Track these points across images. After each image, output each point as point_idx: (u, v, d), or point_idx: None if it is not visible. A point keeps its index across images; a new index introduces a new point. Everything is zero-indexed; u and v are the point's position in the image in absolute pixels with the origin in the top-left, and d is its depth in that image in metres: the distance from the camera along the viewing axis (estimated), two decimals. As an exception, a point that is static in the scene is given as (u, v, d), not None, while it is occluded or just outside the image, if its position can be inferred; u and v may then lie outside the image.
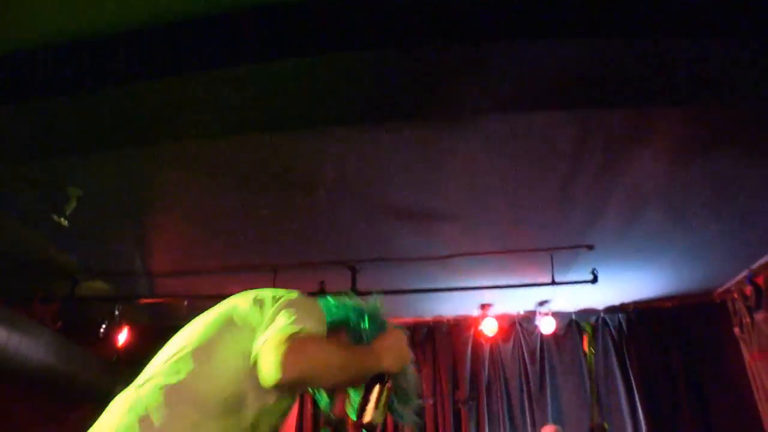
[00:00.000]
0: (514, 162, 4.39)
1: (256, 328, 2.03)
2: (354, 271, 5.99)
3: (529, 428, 7.30)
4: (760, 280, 6.75)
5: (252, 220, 5.23)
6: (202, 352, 2.02)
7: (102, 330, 6.81)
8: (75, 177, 4.51)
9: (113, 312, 6.81)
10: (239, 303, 2.18)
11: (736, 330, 7.26)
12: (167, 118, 3.64)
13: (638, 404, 7.35)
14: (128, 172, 4.53)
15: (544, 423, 7.04)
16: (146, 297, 6.78)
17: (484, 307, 7.03)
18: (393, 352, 2.17)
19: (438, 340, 7.73)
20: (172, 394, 1.91)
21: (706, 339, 7.57)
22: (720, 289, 7.44)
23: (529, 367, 7.63)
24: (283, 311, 2.03)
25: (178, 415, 1.89)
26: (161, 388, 1.92)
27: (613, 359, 7.60)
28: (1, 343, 5.33)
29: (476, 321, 7.30)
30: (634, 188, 4.83)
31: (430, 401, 7.38)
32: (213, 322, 2.15)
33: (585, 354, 6.45)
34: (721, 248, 6.17)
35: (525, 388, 7.56)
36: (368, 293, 5.53)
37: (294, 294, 2.19)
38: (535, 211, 5.13)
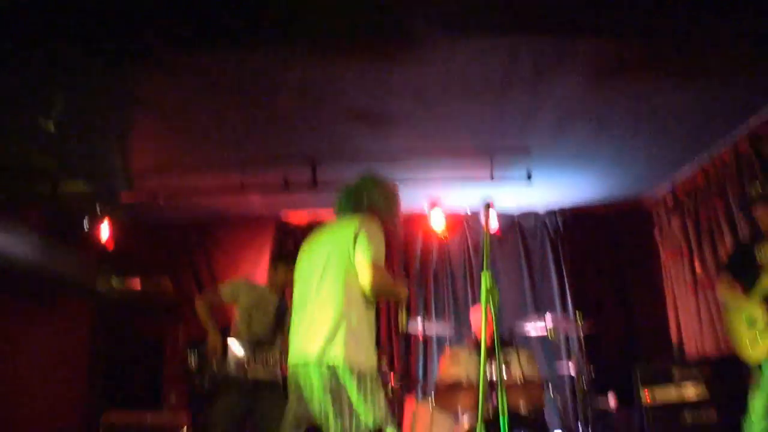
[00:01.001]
0: (455, 74, 4.93)
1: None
2: (314, 167, 6.49)
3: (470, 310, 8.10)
4: (678, 190, 7.55)
5: (222, 121, 5.63)
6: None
7: (84, 229, 6.97)
8: (57, 81, 4.71)
9: (95, 211, 7.00)
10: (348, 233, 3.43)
11: (656, 233, 8.13)
12: (143, 29, 4.10)
13: (568, 296, 8.25)
14: (109, 78, 4.79)
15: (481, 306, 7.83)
16: (126, 195, 7.08)
17: (433, 204, 7.61)
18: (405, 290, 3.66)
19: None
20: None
21: (631, 241, 8.46)
22: (647, 197, 8.27)
23: (473, 259, 8.46)
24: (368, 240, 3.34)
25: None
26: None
27: (549, 257, 8.46)
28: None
29: (426, 217, 7.76)
30: (563, 101, 5.42)
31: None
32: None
33: (496, 236, 7.27)
34: (644, 160, 6.93)
35: (468, 277, 8.40)
36: (329, 186, 6.22)
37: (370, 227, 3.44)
38: (475, 115, 5.68)
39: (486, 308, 3.01)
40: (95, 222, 7.04)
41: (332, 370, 3.21)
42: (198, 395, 5.24)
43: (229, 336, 5.14)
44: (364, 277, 3.27)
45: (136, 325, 8.12)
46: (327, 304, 3.35)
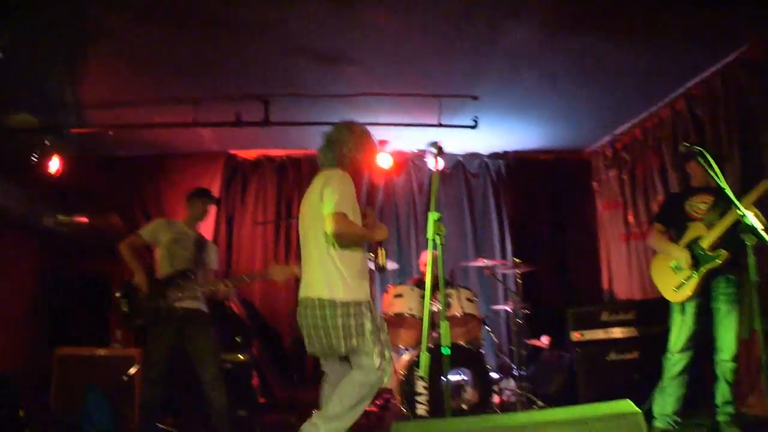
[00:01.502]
0: (410, 19, 5.06)
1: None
2: (267, 104, 6.50)
3: (413, 250, 8.37)
4: (618, 144, 7.87)
5: (175, 55, 5.62)
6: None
7: (32, 162, 6.83)
8: (4, 11, 4.67)
9: (43, 144, 6.86)
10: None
11: (594, 184, 8.51)
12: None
13: (507, 238, 8.56)
14: (60, 11, 4.78)
15: (426, 247, 8.08)
16: (75, 128, 6.92)
17: (381, 143, 7.74)
18: (382, 231, 4.00)
19: (340, 170, 8.50)
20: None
21: (571, 189, 8.80)
22: (588, 149, 8.60)
23: (417, 197, 8.64)
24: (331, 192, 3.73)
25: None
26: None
27: (491, 199, 8.71)
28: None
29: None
30: (512, 50, 5.59)
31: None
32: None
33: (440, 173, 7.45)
34: (588, 112, 7.20)
35: (413, 215, 8.59)
36: (280, 124, 6.26)
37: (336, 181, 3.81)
38: (427, 61, 5.82)
39: (432, 247, 3.28)
40: (43, 155, 6.90)
41: (321, 304, 3.73)
42: (140, 332, 5.40)
43: (155, 274, 5.35)
44: (327, 228, 3.70)
45: (84, 260, 8.11)
46: (311, 249, 3.93)
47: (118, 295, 5.27)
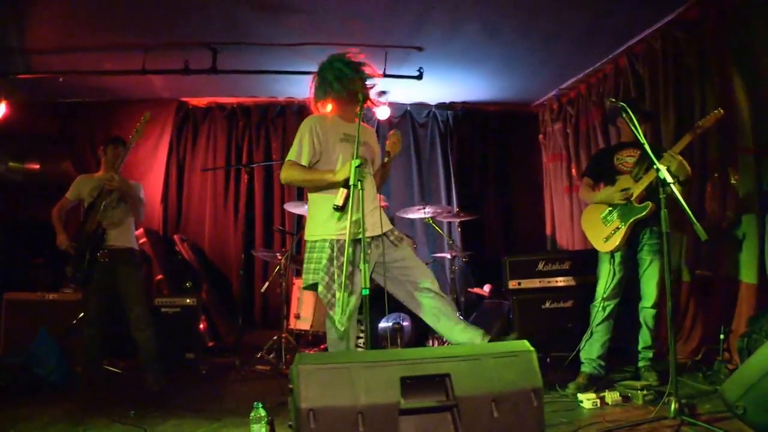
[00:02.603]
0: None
1: None
2: (215, 52, 6.55)
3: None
4: (563, 98, 8.02)
5: (124, 4, 5.61)
6: None
7: None
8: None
9: None
10: None
11: (541, 137, 8.69)
12: None
13: (453, 188, 8.70)
14: None
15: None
16: (24, 73, 6.93)
17: (327, 91, 7.83)
18: (339, 173, 3.72)
19: (288, 117, 8.57)
20: None
21: (517, 141, 8.98)
22: (536, 102, 8.73)
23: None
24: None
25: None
26: None
27: (438, 149, 8.84)
28: None
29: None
30: (456, 4, 5.69)
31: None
32: None
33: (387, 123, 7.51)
34: (532, 66, 7.32)
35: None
36: (228, 72, 6.27)
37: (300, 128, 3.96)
38: (372, 12, 5.88)
39: (354, 193, 3.39)
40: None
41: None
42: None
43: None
44: None
45: (36, 209, 8.08)
46: None
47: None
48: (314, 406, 2.35)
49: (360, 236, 3.57)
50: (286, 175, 3.86)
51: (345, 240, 3.53)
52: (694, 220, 3.38)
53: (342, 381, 2.39)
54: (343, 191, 3.61)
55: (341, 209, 3.62)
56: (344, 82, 3.97)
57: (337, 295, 3.70)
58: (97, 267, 5.29)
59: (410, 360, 2.50)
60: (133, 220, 5.60)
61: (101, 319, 5.34)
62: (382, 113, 7.94)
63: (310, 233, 3.93)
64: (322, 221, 3.87)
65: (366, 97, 3.92)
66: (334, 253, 3.77)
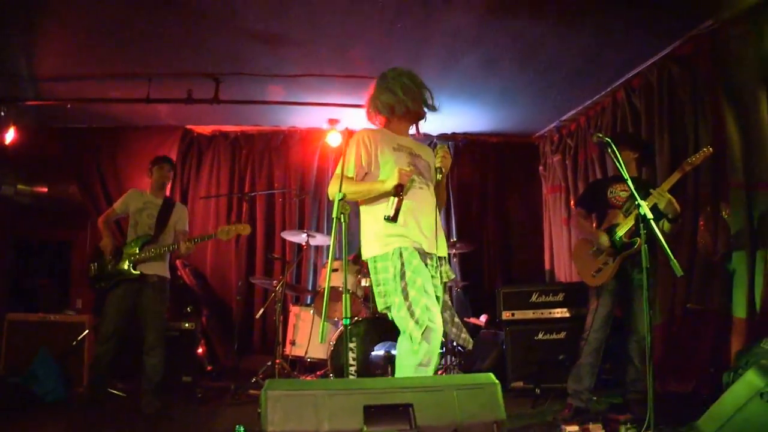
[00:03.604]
0: (348, 3, 5.22)
1: None
2: (217, 82, 6.69)
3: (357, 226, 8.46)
4: (563, 130, 8.09)
5: (131, 32, 5.70)
6: None
7: None
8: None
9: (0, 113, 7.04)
10: None
11: (541, 168, 8.73)
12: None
13: (453, 217, 8.77)
14: None
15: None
16: (33, 99, 7.08)
17: (331, 122, 7.95)
18: (392, 181, 3.54)
19: (291, 146, 8.67)
20: None
21: (517, 172, 9.03)
22: (536, 134, 8.80)
23: (366, 178, 8.75)
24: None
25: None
26: None
27: (439, 178, 8.82)
28: None
29: (324, 134, 8.20)
30: (452, 36, 5.79)
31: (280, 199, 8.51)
32: None
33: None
34: (531, 98, 7.40)
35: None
36: (230, 102, 6.37)
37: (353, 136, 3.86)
38: (368, 44, 5.98)
39: (337, 224, 3.35)
40: (0, 126, 7.05)
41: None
42: (101, 298, 5.62)
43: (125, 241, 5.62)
44: None
45: (43, 230, 8.21)
46: None
47: (91, 261, 5.57)
48: (279, 430, 2.41)
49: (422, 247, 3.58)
50: (331, 189, 3.68)
51: (407, 247, 3.57)
52: (671, 256, 3.40)
53: (307, 407, 2.45)
54: (394, 200, 3.50)
55: (393, 219, 3.49)
56: (409, 95, 3.88)
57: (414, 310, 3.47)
58: (123, 285, 5.38)
59: (374, 389, 2.56)
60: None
61: (116, 338, 5.38)
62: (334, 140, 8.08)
63: (366, 251, 3.80)
64: (376, 235, 3.75)
65: (423, 116, 3.97)
66: (401, 262, 3.58)
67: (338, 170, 3.73)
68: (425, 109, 3.97)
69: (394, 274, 3.59)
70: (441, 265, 3.83)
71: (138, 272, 5.37)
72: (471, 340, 3.85)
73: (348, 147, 3.83)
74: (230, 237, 5.60)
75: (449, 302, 3.92)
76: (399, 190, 3.49)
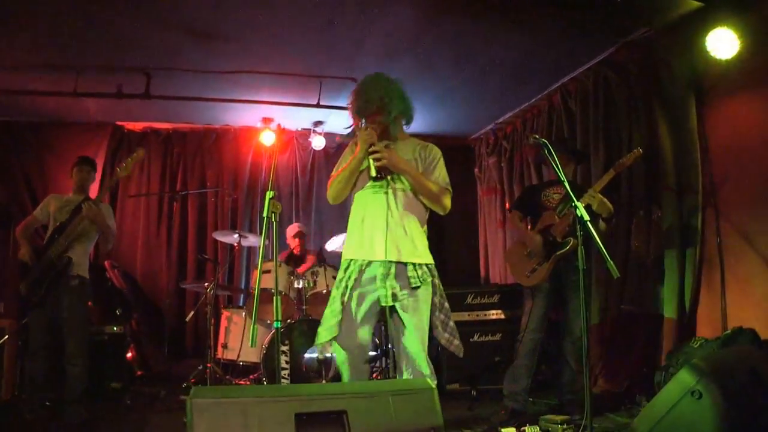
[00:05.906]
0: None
1: None
2: (149, 77, 6.46)
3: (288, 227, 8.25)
4: (499, 132, 8.13)
5: (58, 22, 5.44)
6: None
7: None
8: None
9: None
10: None
11: (476, 170, 8.75)
12: None
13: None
14: None
15: (298, 220, 8.17)
16: None
17: (265, 120, 7.80)
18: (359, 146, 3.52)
19: (224, 145, 8.47)
20: None
21: (453, 174, 8.75)
22: (473, 136, 8.81)
23: (299, 178, 8.63)
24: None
25: None
26: None
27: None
28: None
29: (258, 132, 7.96)
30: (388, 36, 5.72)
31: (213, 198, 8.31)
32: None
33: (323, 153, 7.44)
34: (469, 99, 7.39)
35: (294, 194, 8.58)
36: (162, 97, 6.17)
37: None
38: (305, 42, 5.86)
39: (268, 224, 3.26)
40: None
41: None
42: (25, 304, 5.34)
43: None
44: None
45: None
46: None
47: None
48: (205, 440, 2.29)
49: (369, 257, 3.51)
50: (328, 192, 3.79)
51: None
52: (608, 257, 3.39)
53: (235, 416, 2.32)
54: (369, 159, 3.46)
55: (378, 177, 3.46)
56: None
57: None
58: (52, 294, 5.07)
59: (306, 396, 2.45)
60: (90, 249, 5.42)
61: (47, 350, 5.09)
62: (318, 143, 7.96)
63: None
64: (347, 241, 3.73)
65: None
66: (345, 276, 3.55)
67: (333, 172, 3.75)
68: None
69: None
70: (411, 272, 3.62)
71: (68, 256, 5.11)
72: (462, 347, 3.79)
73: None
74: (129, 171, 5.26)
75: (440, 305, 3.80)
76: (368, 148, 3.46)
